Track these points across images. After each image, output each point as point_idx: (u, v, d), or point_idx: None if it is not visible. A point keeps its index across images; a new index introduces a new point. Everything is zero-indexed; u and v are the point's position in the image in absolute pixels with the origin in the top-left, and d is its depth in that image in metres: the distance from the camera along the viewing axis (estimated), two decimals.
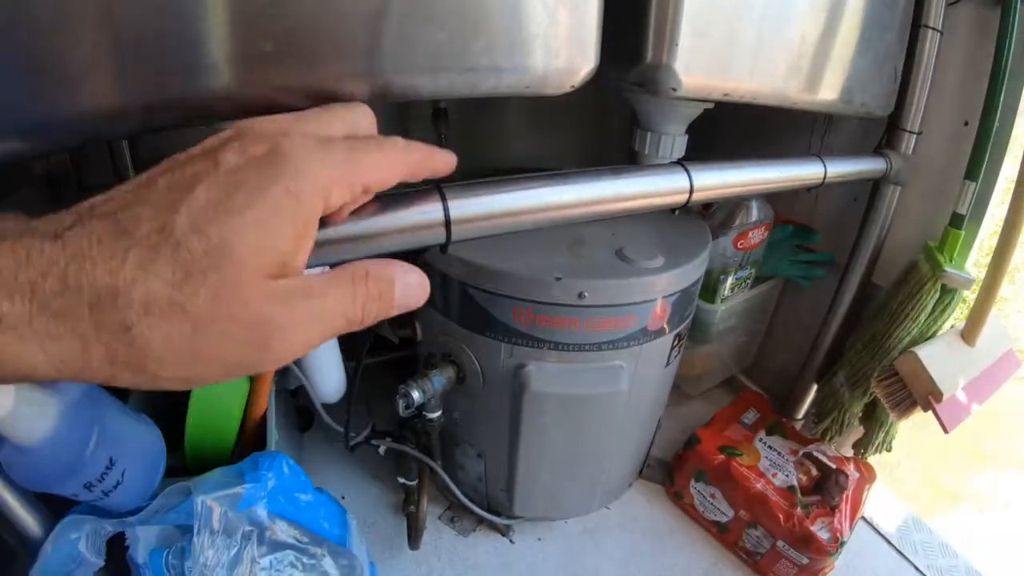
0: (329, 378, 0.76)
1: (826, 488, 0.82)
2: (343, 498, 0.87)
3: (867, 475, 0.85)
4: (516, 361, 0.66)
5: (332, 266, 0.28)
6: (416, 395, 0.66)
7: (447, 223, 0.37)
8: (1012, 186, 0.70)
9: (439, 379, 0.68)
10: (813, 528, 0.75)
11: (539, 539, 0.86)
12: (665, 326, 0.68)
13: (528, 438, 0.71)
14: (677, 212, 0.52)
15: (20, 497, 0.50)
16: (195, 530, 0.49)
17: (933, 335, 0.80)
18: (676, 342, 0.74)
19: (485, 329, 0.65)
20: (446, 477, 0.80)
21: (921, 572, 0.85)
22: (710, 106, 0.63)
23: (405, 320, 0.77)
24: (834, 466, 0.84)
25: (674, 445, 0.95)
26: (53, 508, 0.52)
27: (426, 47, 0.37)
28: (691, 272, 0.68)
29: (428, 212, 0.37)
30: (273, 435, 0.65)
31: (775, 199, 0.93)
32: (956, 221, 0.77)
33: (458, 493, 0.81)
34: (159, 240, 0.21)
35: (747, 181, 0.56)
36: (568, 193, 0.42)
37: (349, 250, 0.33)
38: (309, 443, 0.95)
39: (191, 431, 0.63)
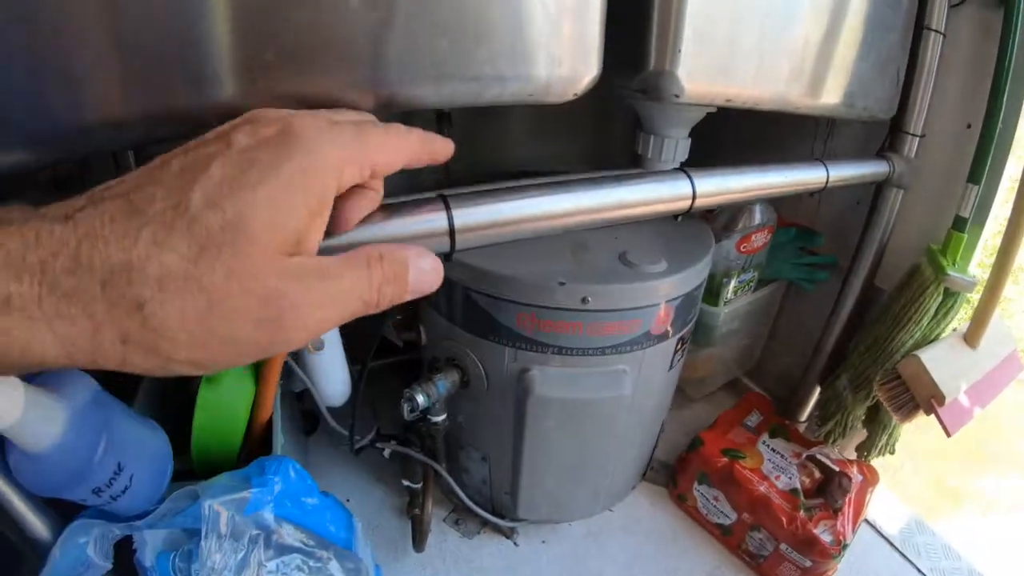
0: (334, 381, 0.76)
1: (829, 491, 0.82)
2: (348, 501, 0.88)
3: (870, 478, 0.86)
4: (520, 365, 0.66)
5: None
6: (421, 399, 0.66)
7: (451, 232, 0.38)
8: (1016, 185, 0.70)
9: (444, 383, 0.68)
10: (816, 531, 0.75)
11: (543, 542, 0.86)
12: (668, 329, 0.68)
13: (532, 442, 0.71)
14: (680, 218, 0.52)
15: (28, 501, 0.50)
16: (203, 534, 0.49)
17: (936, 338, 0.80)
18: (679, 346, 0.74)
19: (489, 334, 0.65)
20: (451, 480, 0.80)
21: (924, 574, 0.85)
22: (713, 110, 0.63)
23: (409, 323, 0.77)
24: (837, 469, 0.84)
25: (677, 448, 0.95)
26: (61, 512, 0.52)
27: (430, 57, 0.38)
28: (694, 276, 0.68)
29: (432, 221, 0.37)
30: (279, 439, 0.65)
31: (778, 202, 0.93)
32: (959, 224, 0.77)
33: (463, 496, 0.81)
34: (174, 216, 0.21)
35: (749, 187, 0.56)
36: (571, 201, 0.43)
37: None
38: (314, 446, 0.96)
39: (197, 435, 0.64)
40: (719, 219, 0.89)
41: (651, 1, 0.48)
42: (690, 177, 0.50)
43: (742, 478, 0.82)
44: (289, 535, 0.55)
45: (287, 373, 0.72)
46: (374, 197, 0.31)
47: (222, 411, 0.65)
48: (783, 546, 0.78)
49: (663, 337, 0.68)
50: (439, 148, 0.33)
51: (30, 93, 0.30)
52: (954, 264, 0.76)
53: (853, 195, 0.93)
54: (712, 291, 0.91)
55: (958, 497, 1.46)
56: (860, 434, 0.92)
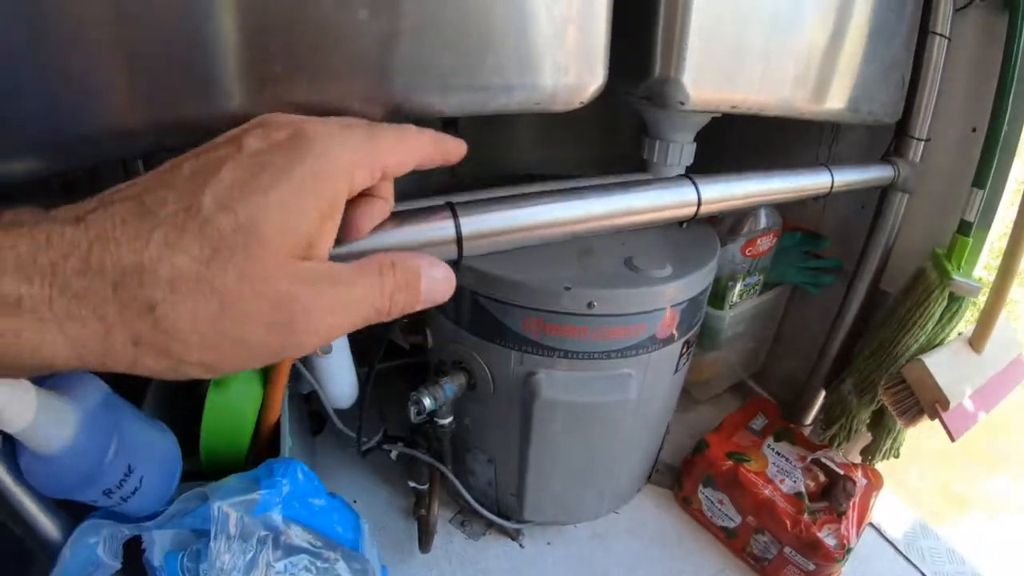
0: (342, 384, 0.77)
1: (834, 494, 0.82)
2: (355, 502, 0.88)
3: (875, 482, 0.86)
4: (526, 369, 0.67)
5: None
6: (428, 402, 0.67)
7: (459, 240, 0.38)
8: (1022, 188, 0.70)
9: (450, 386, 0.69)
10: (820, 534, 0.76)
11: (548, 543, 0.87)
12: (674, 333, 0.69)
13: (538, 444, 0.71)
14: (685, 225, 0.53)
15: (39, 502, 0.51)
16: (212, 535, 0.50)
17: (941, 342, 0.80)
18: (685, 349, 0.74)
19: (496, 337, 0.66)
20: (456, 482, 0.80)
21: None
22: (719, 114, 0.63)
23: (416, 327, 0.78)
24: (842, 472, 0.84)
25: (683, 450, 0.95)
26: (71, 512, 0.53)
27: (437, 67, 0.38)
28: (700, 281, 0.68)
29: (440, 229, 0.38)
30: (287, 441, 0.66)
31: (783, 206, 0.93)
32: (964, 228, 0.77)
33: (468, 498, 0.82)
34: (186, 218, 0.21)
35: (754, 192, 0.57)
36: (577, 209, 0.43)
37: None
38: (321, 447, 0.96)
39: (206, 437, 0.64)
40: (724, 223, 0.90)
41: (657, 9, 0.49)
42: (695, 184, 0.51)
43: (747, 481, 0.82)
44: (297, 536, 0.56)
45: (295, 375, 0.73)
46: (384, 206, 0.32)
47: (230, 413, 0.65)
48: (787, 549, 0.78)
49: (668, 341, 0.69)
50: (452, 148, 0.33)
51: (42, 102, 0.30)
52: (959, 268, 0.76)
53: (858, 199, 0.93)
54: (717, 294, 0.92)
55: (964, 500, 1.46)
56: (865, 438, 0.92)
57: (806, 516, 0.78)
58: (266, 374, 0.66)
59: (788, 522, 0.77)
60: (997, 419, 0.86)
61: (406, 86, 0.38)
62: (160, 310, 0.20)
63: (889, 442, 0.87)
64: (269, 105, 0.35)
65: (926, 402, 0.75)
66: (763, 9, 0.53)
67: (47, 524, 0.52)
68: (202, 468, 0.66)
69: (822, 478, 0.86)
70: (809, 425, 1.05)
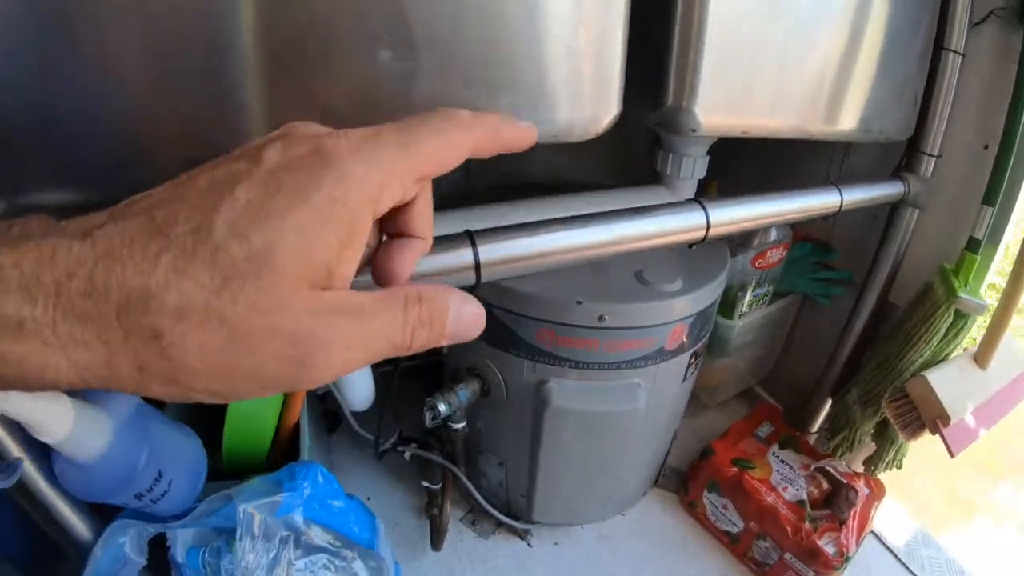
0: (359, 388, 0.79)
1: (836, 502, 0.84)
2: (368, 499, 0.91)
3: (876, 491, 0.87)
4: (538, 377, 0.69)
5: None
6: (442, 407, 0.69)
7: (477, 267, 0.40)
8: None
9: (464, 393, 0.71)
10: (820, 542, 0.78)
11: (556, 543, 0.89)
12: (683, 344, 0.71)
13: (548, 449, 0.74)
14: (694, 247, 0.55)
15: (71, 504, 0.53)
16: (238, 536, 0.53)
17: (946, 357, 0.81)
18: (693, 360, 0.76)
19: (509, 347, 0.68)
20: (468, 483, 0.83)
21: None
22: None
23: None
24: (845, 481, 0.86)
25: (690, 454, 0.97)
26: (98, 510, 0.56)
27: (455, 104, 0.40)
28: (709, 294, 0.70)
29: (459, 257, 0.40)
30: (306, 443, 0.69)
31: None
32: (972, 246, 0.77)
33: (479, 498, 0.84)
34: (196, 242, 0.20)
35: (762, 215, 0.58)
36: (591, 235, 0.45)
37: None
38: (336, 446, 0.99)
39: (228, 439, 0.67)
40: (735, 235, 0.91)
41: (670, 41, 0.50)
42: (704, 208, 0.52)
43: (750, 488, 0.84)
44: (317, 536, 0.59)
45: None
46: (422, 245, 0.30)
47: (252, 417, 0.68)
48: (787, 555, 0.80)
49: (677, 352, 0.71)
50: (509, 136, 0.29)
51: (81, 136, 0.32)
52: (966, 285, 0.77)
53: (869, 211, 0.93)
54: (727, 304, 0.93)
55: (972, 507, 1.46)
56: (869, 448, 0.93)
57: (807, 524, 0.80)
58: None
59: (789, 529, 0.79)
60: (1009, 426, 0.86)
61: None
62: (167, 339, 0.19)
63: (892, 453, 0.88)
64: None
65: (928, 417, 0.76)
66: (775, 39, 0.54)
67: (79, 526, 0.54)
68: (224, 467, 0.69)
69: (826, 486, 0.87)
70: (815, 433, 1.07)
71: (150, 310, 0.19)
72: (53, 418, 0.43)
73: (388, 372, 0.87)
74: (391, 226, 0.28)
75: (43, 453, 0.48)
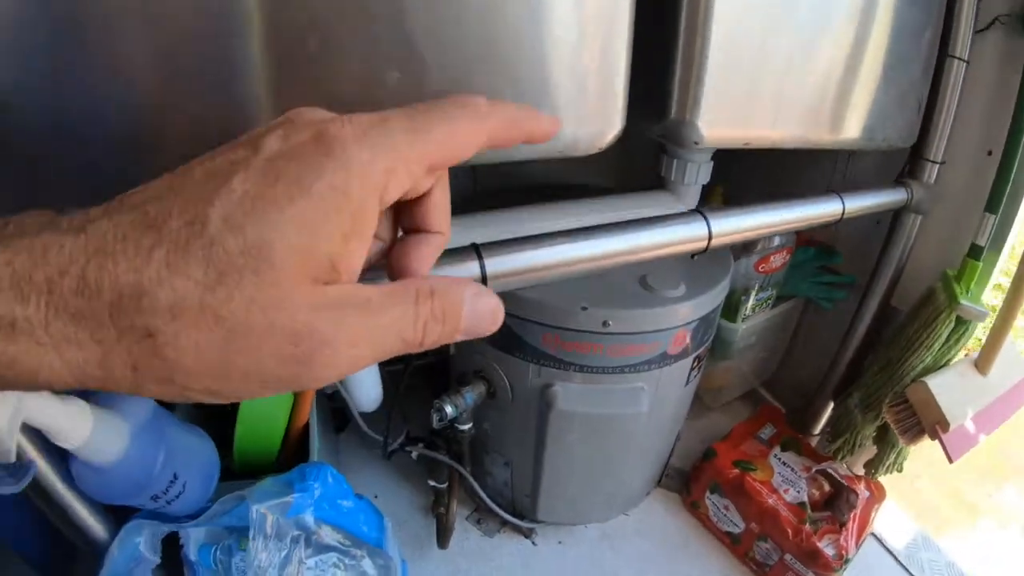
0: (367, 388, 0.81)
1: (837, 505, 0.85)
2: (376, 497, 0.93)
3: (877, 494, 0.88)
4: (543, 381, 0.70)
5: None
6: (449, 410, 0.71)
7: (483, 280, 0.42)
8: None
9: (471, 395, 0.73)
10: (820, 544, 0.79)
11: (560, 542, 0.90)
12: (686, 348, 0.72)
13: (553, 451, 0.75)
14: (695, 257, 0.56)
15: (87, 505, 0.55)
16: (251, 536, 0.55)
17: (947, 363, 0.82)
18: (696, 363, 0.77)
19: (515, 350, 0.70)
20: (474, 482, 0.85)
21: None
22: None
23: None
24: (846, 484, 0.87)
25: (693, 455, 0.99)
26: (113, 510, 0.58)
27: None
28: (712, 299, 0.71)
29: (466, 270, 0.41)
30: (316, 445, 0.70)
31: None
32: (975, 252, 0.78)
33: (485, 497, 0.86)
34: (189, 236, 0.19)
35: (764, 224, 0.59)
36: (595, 248, 0.46)
37: None
38: (344, 445, 1.01)
39: (239, 439, 0.69)
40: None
41: (674, 55, 0.51)
42: (706, 219, 0.53)
43: (752, 490, 0.85)
44: (327, 535, 0.61)
45: None
46: (439, 240, 0.28)
47: (263, 419, 0.70)
48: (788, 557, 0.81)
49: (680, 356, 0.72)
50: (528, 128, 0.27)
51: (92, 136, 0.34)
52: (968, 292, 0.78)
53: (872, 216, 0.94)
54: (730, 307, 0.94)
55: (975, 508, 1.46)
56: (870, 451, 0.94)
57: (807, 526, 0.81)
58: None
59: (789, 531, 0.80)
60: (1013, 429, 0.87)
61: None
62: (160, 338, 0.19)
63: (893, 457, 0.89)
64: None
65: (927, 423, 0.77)
66: (778, 51, 0.55)
67: (96, 527, 0.56)
68: (235, 467, 0.70)
69: (827, 488, 0.89)
70: (817, 435, 1.08)
71: (142, 308, 0.18)
72: (72, 424, 0.44)
73: (397, 371, 0.89)
74: (407, 220, 0.27)
75: (60, 455, 0.49)
